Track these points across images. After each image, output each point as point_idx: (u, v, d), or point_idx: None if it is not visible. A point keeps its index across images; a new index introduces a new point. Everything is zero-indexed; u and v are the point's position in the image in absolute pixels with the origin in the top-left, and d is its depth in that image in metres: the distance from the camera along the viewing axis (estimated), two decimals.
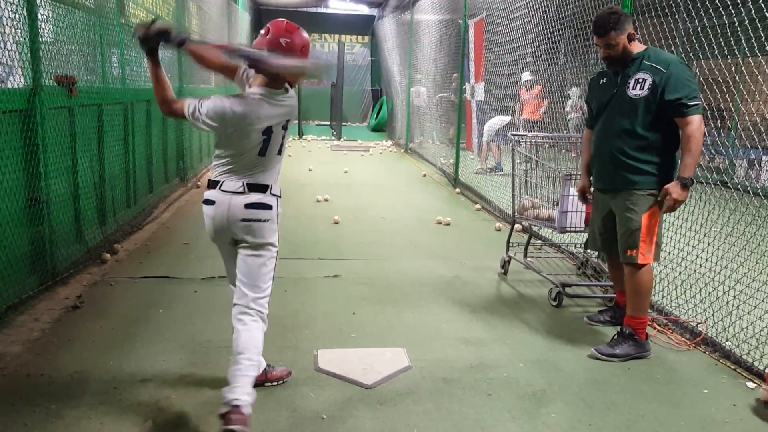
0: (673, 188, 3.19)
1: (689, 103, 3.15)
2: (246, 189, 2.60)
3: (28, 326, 3.60)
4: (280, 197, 2.72)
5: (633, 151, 3.33)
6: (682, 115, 3.16)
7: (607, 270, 4.31)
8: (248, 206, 2.60)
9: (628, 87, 3.32)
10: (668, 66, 3.21)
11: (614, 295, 3.96)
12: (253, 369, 2.59)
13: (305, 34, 2.66)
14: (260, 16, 19.61)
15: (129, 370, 3.10)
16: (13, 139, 3.85)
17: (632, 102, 3.30)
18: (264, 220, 2.64)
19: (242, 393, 2.48)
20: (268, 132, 2.59)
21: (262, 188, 2.64)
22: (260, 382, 2.84)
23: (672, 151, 3.32)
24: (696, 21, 4.06)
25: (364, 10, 20.77)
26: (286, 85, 2.68)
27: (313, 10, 20.31)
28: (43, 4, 4.17)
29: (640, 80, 3.27)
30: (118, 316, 3.81)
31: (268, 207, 2.65)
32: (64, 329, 3.59)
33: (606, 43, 3.34)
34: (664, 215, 3.42)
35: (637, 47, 3.37)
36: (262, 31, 2.63)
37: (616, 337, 3.48)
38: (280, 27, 2.61)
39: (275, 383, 2.99)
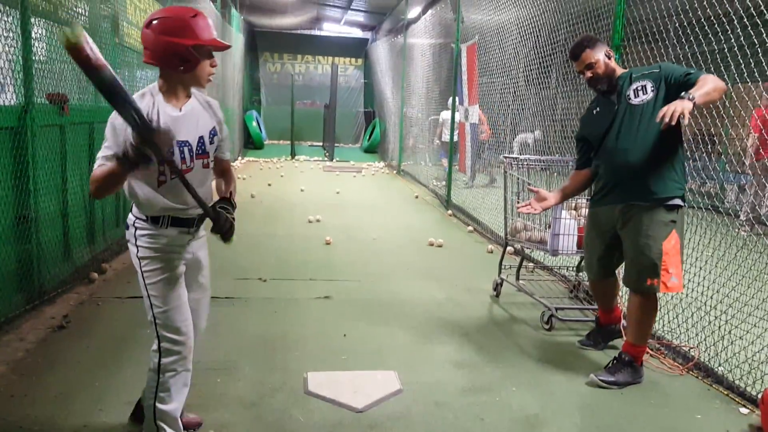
0: (676, 104, 2.87)
1: (692, 71, 3.14)
2: None
3: (13, 346, 3.54)
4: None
5: (649, 160, 3.21)
6: (692, 82, 3.07)
7: None
8: None
9: (630, 98, 3.30)
10: (659, 66, 3.28)
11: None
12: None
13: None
14: (254, 38, 19.75)
15: (115, 392, 3.04)
16: (3, 156, 3.83)
17: (639, 109, 3.26)
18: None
19: None
20: None
21: None
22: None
23: (679, 156, 3.25)
24: (686, 47, 4.11)
25: (357, 33, 20.97)
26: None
27: (308, 32, 20.48)
28: (36, 22, 4.17)
29: (640, 87, 3.27)
30: (104, 337, 3.75)
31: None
32: (50, 349, 3.53)
33: (586, 63, 3.38)
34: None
35: (618, 68, 3.43)
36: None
37: (614, 363, 3.43)
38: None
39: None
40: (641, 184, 3.25)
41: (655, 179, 3.23)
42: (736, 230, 6.30)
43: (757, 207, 7.23)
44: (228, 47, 2.40)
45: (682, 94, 2.96)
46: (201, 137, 2.36)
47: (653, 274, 3.22)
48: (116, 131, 2.18)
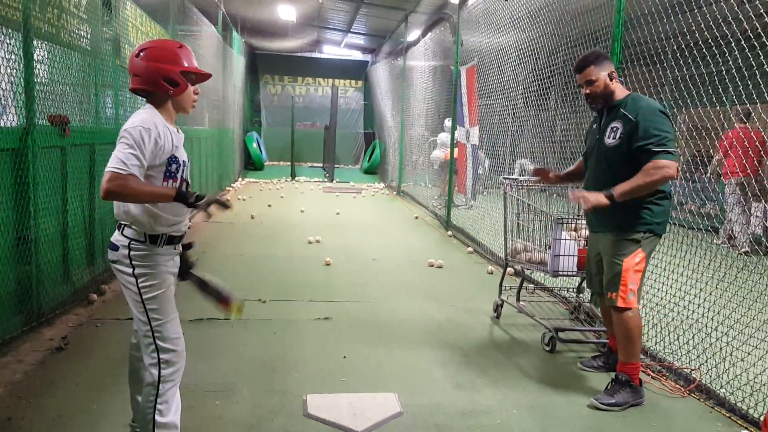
0: (592, 193, 3.24)
1: (655, 149, 3.14)
2: None
3: (11, 368, 3.51)
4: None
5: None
6: (647, 161, 3.17)
7: (599, 315, 4.29)
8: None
9: (605, 136, 3.39)
10: (637, 115, 3.23)
11: (607, 340, 3.92)
12: None
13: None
14: (255, 60, 19.92)
15: (113, 414, 3.02)
16: (4, 177, 3.84)
17: (608, 150, 3.37)
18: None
19: None
20: None
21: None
22: None
23: (653, 197, 3.28)
24: (684, 69, 4.15)
25: (357, 55, 21.17)
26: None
27: (308, 54, 20.67)
28: (39, 45, 4.21)
29: (614, 129, 3.34)
30: (103, 358, 3.73)
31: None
32: (48, 371, 3.50)
33: (587, 79, 3.41)
34: (651, 260, 3.41)
35: (620, 91, 3.43)
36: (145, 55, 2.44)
37: (612, 384, 3.41)
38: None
39: None
40: (602, 217, 3.40)
41: (620, 214, 3.30)
42: (736, 251, 6.29)
43: (755, 226, 7.22)
44: (209, 76, 2.64)
45: (608, 190, 3.21)
46: (185, 161, 2.57)
47: (613, 288, 3.35)
48: (144, 145, 2.28)
